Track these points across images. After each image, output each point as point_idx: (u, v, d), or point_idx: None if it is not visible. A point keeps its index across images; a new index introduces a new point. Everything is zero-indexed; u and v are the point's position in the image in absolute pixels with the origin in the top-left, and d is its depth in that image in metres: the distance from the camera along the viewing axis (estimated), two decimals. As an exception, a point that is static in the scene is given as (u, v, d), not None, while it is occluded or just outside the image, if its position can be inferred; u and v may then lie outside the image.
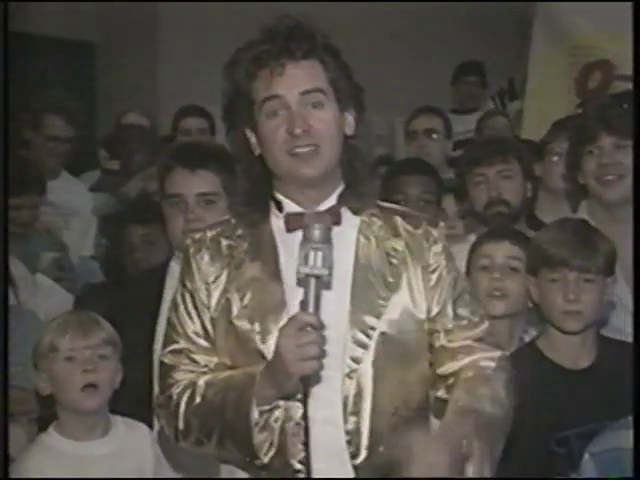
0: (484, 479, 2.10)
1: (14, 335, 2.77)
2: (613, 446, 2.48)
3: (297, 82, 2.09)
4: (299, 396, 2.02)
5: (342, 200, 2.18)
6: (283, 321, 2.02)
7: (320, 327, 1.95)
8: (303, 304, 1.96)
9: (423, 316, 2.17)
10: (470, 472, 1.92)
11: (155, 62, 6.85)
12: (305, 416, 2.01)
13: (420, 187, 3.77)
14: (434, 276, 2.18)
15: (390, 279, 2.15)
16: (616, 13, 4.46)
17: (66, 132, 4.60)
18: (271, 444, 2.07)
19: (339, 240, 2.10)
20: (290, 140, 2.08)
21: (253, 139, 2.16)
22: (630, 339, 2.81)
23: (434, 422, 2.23)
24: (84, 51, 6.98)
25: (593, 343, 2.77)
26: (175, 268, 2.70)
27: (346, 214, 2.18)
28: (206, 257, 2.19)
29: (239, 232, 2.20)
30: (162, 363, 2.21)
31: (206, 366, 2.17)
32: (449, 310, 2.19)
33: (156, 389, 2.27)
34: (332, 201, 2.17)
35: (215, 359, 2.17)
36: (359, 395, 2.09)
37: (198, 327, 2.18)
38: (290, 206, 2.17)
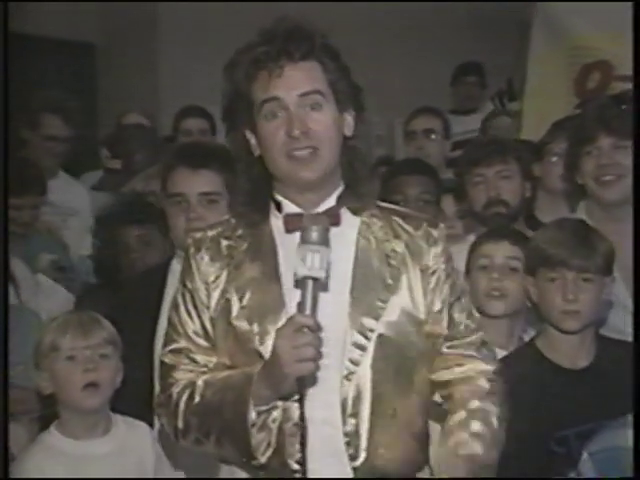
0: (484, 479, 2.12)
1: (15, 335, 2.77)
2: (611, 445, 2.48)
3: (295, 84, 2.10)
4: (296, 397, 2.03)
5: (342, 201, 2.18)
6: (282, 322, 2.03)
7: (317, 329, 1.96)
8: (300, 306, 1.97)
9: (422, 318, 2.17)
10: None
11: (155, 63, 6.85)
12: (302, 417, 2.02)
13: (419, 187, 3.77)
14: (433, 279, 2.19)
15: (389, 281, 2.15)
16: (615, 14, 4.46)
17: (64, 132, 4.60)
18: (268, 444, 2.08)
19: (338, 241, 2.10)
20: (289, 142, 2.08)
21: (253, 140, 2.16)
22: (629, 338, 2.82)
23: (433, 424, 2.25)
24: (85, 52, 6.98)
25: (592, 343, 2.77)
26: (176, 267, 2.70)
27: (346, 215, 2.19)
28: (206, 257, 2.19)
29: (239, 232, 2.20)
30: (162, 362, 2.22)
31: (205, 366, 2.17)
32: (446, 314, 2.20)
33: (157, 388, 2.27)
34: (332, 202, 2.17)
35: (214, 359, 2.17)
36: (358, 397, 2.10)
37: (198, 327, 2.19)
38: (289, 207, 2.17)
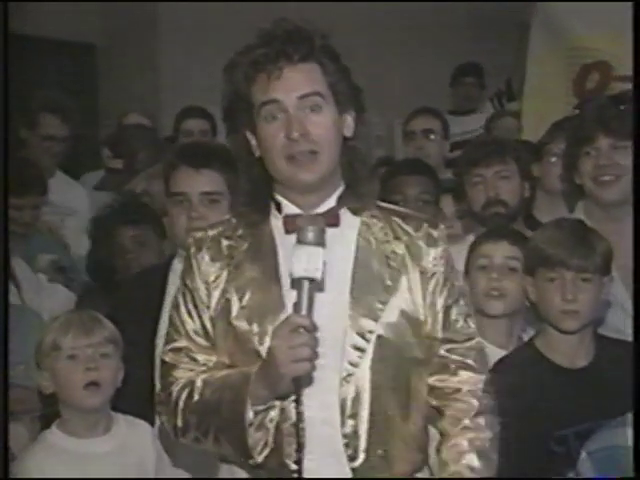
0: (484, 478, 2.13)
1: (16, 334, 2.78)
2: (610, 444, 2.49)
3: (295, 86, 2.09)
4: (294, 397, 2.03)
5: (342, 201, 2.18)
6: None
7: (312, 329, 1.96)
8: (296, 306, 1.97)
9: (421, 319, 2.17)
10: None
11: (156, 63, 6.85)
12: (300, 417, 2.02)
13: (418, 187, 3.77)
14: (432, 281, 2.18)
15: (389, 282, 2.15)
16: (613, 14, 4.48)
17: (62, 131, 4.60)
18: (265, 444, 2.08)
19: (338, 241, 2.12)
20: (288, 145, 2.08)
21: (253, 141, 2.16)
22: (626, 337, 2.83)
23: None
24: (85, 52, 6.98)
25: (590, 342, 2.78)
26: (178, 266, 2.70)
27: (346, 215, 2.18)
28: (206, 257, 2.19)
29: (240, 232, 2.20)
30: (163, 361, 2.23)
31: (205, 365, 2.18)
32: (444, 316, 2.19)
33: (157, 387, 2.28)
34: (332, 203, 2.17)
35: (214, 358, 2.18)
36: (357, 399, 2.10)
37: (198, 326, 2.19)
38: (289, 207, 2.17)
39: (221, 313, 2.16)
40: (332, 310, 2.10)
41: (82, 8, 6.69)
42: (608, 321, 3.01)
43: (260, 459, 2.08)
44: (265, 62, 2.09)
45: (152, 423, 2.77)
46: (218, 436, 2.10)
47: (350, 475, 2.10)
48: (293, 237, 2.08)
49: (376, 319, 2.12)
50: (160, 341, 2.44)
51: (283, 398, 2.06)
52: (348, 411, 2.09)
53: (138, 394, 2.75)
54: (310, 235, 1.97)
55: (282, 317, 2.06)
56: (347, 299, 2.12)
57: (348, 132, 2.17)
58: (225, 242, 2.20)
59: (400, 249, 2.18)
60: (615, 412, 2.53)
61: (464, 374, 2.20)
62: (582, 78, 4.80)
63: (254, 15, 5.04)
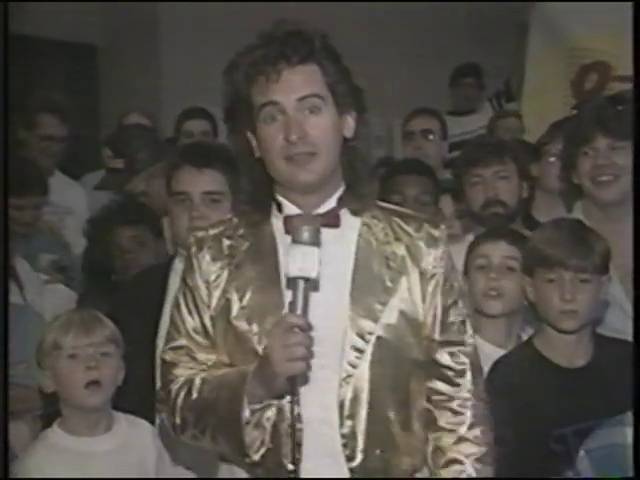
0: (483, 478, 2.14)
1: (17, 333, 2.79)
2: (608, 443, 2.49)
3: (294, 88, 2.09)
4: (289, 396, 2.03)
5: (342, 202, 2.18)
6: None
7: (307, 329, 1.96)
8: (291, 305, 1.97)
9: (420, 321, 2.17)
10: None
11: (156, 63, 6.85)
12: (294, 416, 2.02)
13: (418, 187, 3.78)
14: (432, 282, 2.18)
15: (388, 283, 2.15)
16: (612, 14, 4.49)
17: (61, 131, 4.60)
18: (262, 442, 2.08)
19: (338, 242, 2.12)
20: (287, 146, 2.08)
21: (254, 142, 2.16)
22: (625, 337, 2.83)
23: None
24: (86, 53, 6.99)
25: (589, 341, 2.78)
26: (179, 265, 2.71)
27: (346, 216, 2.18)
28: (207, 256, 2.19)
29: (241, 232, 2.21)
30: (163, 360, 2.23)
31: (205, 363, 2.18)
32: (442, 317, 2.19)
33: (158, 386, 2.29)
34: (332, 203, 2.17)
35: (214, 357, 2.18)
36: (355, 399, 2.10)
37: (198, 325, 2.19)
38: (289, 208, 2.17)
39: (221, 312, 2.16)
40: (332, 311, 2.10)
41: (82, 8, 6.69)
42: (607, 320, 3.01)
43: (257, 457, 2.08)
44: (264, 64, 2.09)
45: (153, 422, 2.78)
46: (215, 434, 2.10)
47: (348, 475, 2.10)
48: (293, 237, 2.09)
49: (376, 320, 2.12)
50: (161, 341, 2.44)
51: (279, 397, 2.06)
52: (346, 411, 2.10)
53: (139, 393, 2.76)
54: (305, 235, 1.97)
55: (281, 317, 2.07)
56: (347, 300, 2.13)
57: (348, 133, 2.17)
58: (226, 242, 2.20)
59: (400, 250, 2.18)
60: (613, 411, 2.54)
61: (457, 380, 2.19)
62: (581, 78, 4.81)
63: (254, 15, 5.05)
